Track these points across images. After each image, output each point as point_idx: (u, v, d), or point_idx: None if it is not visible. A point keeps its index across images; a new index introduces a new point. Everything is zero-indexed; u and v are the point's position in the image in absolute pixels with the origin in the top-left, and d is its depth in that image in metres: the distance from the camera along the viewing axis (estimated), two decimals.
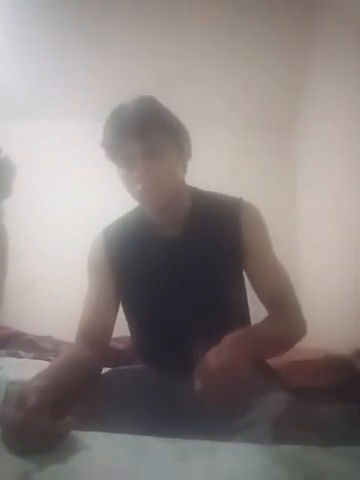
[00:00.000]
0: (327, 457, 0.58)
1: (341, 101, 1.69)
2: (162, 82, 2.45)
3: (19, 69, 2.43)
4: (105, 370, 1.00)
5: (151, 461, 0.57)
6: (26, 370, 1.42)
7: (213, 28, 2.08)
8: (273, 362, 1.03)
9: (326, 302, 1.86)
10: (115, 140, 0.91)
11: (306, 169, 2.41)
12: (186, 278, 0.95)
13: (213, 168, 2.44)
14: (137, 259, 0.98)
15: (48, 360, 1.66)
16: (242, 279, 1.01)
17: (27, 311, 2.44)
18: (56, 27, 2.12)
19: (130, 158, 0.89)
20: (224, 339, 0.75)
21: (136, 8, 2.00)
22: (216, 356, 0.70)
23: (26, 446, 0.57)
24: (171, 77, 2.41)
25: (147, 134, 0.87)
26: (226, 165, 2.61)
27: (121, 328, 1.08)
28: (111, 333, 1.00)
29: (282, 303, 0.94)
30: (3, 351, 1.82)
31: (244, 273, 1.01)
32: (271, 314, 0.95)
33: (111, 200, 2.69)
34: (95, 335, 0.95)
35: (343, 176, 1.67)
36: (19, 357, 1.77)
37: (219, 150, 2.64)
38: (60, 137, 2.78)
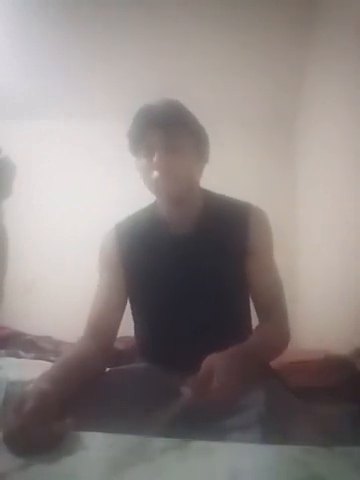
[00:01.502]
0: (327, 457, 0.58)
1: (341, 101, 1.69)
2: (162, 82, 2.45)
3: (19, 69, 2.43)
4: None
5: (151, 461, 0.57)
6: (26, 370, 1.43)
7: (213, 28, 2.08)
8: (273, 362, 1.03)
9: (326, 302, 1.86)
10: (140, 129, 0.96)
11: (306, 169, 2.41)
12: (196, 274, 0.97)
13: (213, 168, 2.44)
14: (148, 254, 1.00)
15: (48, 360, 1.66)
16: (246, 279, 1.02)
17: (27, 311, 2.44)
18: (56, 27, 2.12)
19: (152, 147, 0.93)
20: (218, 361, 0.75)
21: (136, 8, 2.00)
22: (209, 379, 0.70)
23: (24, 449, 0.57)
24: (171, 77, 2.41)
25: (171, 128, 0.93)
26: (226, 165, 2.61)
27: (121, 328, 1.08)
28: (118, 328, 1.01)
29: (274, 311, 0.98)
30: (3, 351, 1.82)
31: None
32: (263, 323, 0.99)
33: (111, 200, 2.69)
34: (104, 329, 0.96)
35: (343, 176, 1.67)
36: (19, 357, 1.77)
37: (219, 150, 2.64)
38: (60, 137, 2.78)
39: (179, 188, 0.94)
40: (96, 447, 0.61)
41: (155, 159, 0.92)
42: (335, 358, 1.27)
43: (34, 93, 2.59)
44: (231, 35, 2.14)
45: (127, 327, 1.08)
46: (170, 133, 0.93)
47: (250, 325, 1.07)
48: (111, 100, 2.57)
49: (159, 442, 0.62)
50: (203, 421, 0.72)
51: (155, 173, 0.92)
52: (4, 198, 1.43)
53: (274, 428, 0.67)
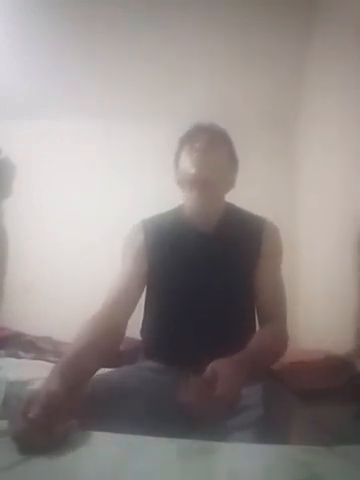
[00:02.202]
0: (327, 457, 0.58)
1: (341, 101, 1.69)
2: (162, 82, 2.46)
3: (19, 69, 2.43)
4: (105, 370, 0.99)
5: (151, 461, 0.57)
6: (26, 371, 1.42)
7: (213, 28, 2.08)
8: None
9: (326, 302, 1.86)
10: (189, 133, 1.13)
11: (306, 170, 2.40)
12: (213, 272, 1.04)
13: None
14: (171, 248, 1.07)
15: (48, 361, 1.65)
16: (254, 285, 1.08)
17: (27, 312, 2.43)
18: (56, 27, 2.11)
19: (195, 141, 1.07)
20: (224, 368, 0.75)
21: (136, 8, 2.00)
22: (212, 385, 0.71)
23: (30, 449, 0.57)
24: (171, 77, 2.41)
25: (215, 134, 1.10)
26: None
27: None
28: (129, 317, 1.03)
29: (275, 317, 1.04)
30: (3, 351, 1.82)
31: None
32: (263, 327, 1.05)
33: (111, 200, 2.69)
34: (117, 316, 0.97)
35: (343, 176, 1.67)
36: (19, 358, 1.76)
37: None
38: (60, 137, 2.78)
39: (210, 173, 1.05)
40: (97, 445, 0.61)
41: (198, 145, 1.06)
42: (335, 358, 1.27)
43: (34, 93, 2.59)
44: (231, 35, 2.14)
45: (128, 328, 1.08)
46: (214, 137, 1.09)
47: (255, 329, 1.10)
48: (111, 100, 2.57)
49: (159, 442, 0.62)
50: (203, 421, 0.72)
51: (195, 155, 1.05)
52: (4, 198, 1.44)
53: (274, 428, 0.67)
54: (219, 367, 0.74)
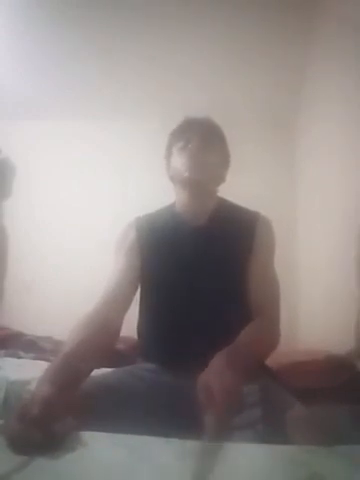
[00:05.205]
0: (327, 457, 0.58)
1: (341, 101, 1.69)
2: (162, 82, 2.46)
3: (19, 69, 2.43)
4: (105, 370, 1.00)
5: (151, 461, 0.57)
6: (26, 370, 1.43)
7: (213, 28, 2.08)
8: (274, 363, 1.03)
9: (326, 302, 1.86)
10: (183, 128, 1.13)
11: (306, 169, 2.40)
12: (207, 262, 1.03)
13: None
14: (164, 243, 1.07)
15: (48, 360, 1.66)
16: (247, 278, 1.06)
17: (27, 311, 2.44)
18: (57, 27, 2.12)
19: (189, 139, 1.08)
20: (215, 365, 0.75)
21: (136, 8, 2.00)
22: (211, 383, 0.70)
23: (28, 451, 0.57)
24: (171, 77, 2.41)
25: (208, 131, 1.10)
26: None
27: (123, 328, 1.07)
28: (125, 311, 1.02)
29: (266, 311, 1.02)
30: (3, 351, 1.82)
31: None
32: (255, 322, 1.02)
33: (110, 200, 2.70)
34: (111, 314, 0.96)
35: (343, 176, 1.67)
36: (19, 357, 1.77)
37: None
38: (60, 137, 2.78)
39: (203, 173, 1.05)
40: (97, 446, 0.61)
41: (190, 145, 1.06)
42: (335, 358, 1.27)
43: (34, 93, 2.59)
44: (231, 35, 2.14)
45: (128, 327, 1.08)
46: (207, 134, 1.09)
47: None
48: (111, 100, 2.57)
49: (159, 442, 0.62)
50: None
51: (187, 156, 1.05)
52: (4, 198, 1.44)
53: (274, 428, 0.67)
54: (206, 377, 0.73)
